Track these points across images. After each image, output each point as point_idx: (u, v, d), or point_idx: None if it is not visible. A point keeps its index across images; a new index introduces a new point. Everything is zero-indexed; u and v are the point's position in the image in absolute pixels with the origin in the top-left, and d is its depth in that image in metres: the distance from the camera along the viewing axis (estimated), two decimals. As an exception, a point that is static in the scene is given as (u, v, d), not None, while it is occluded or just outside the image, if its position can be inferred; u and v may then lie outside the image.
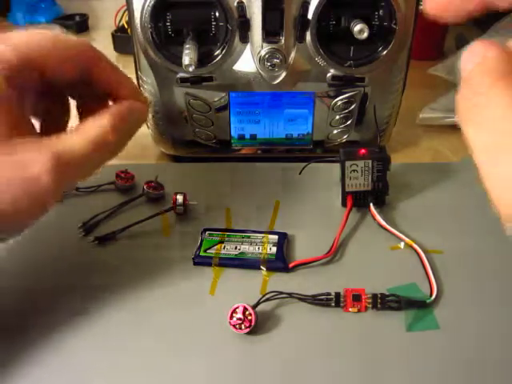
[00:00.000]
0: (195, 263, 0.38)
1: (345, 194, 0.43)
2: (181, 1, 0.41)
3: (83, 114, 0.34)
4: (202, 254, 0.39)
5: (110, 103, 0.34)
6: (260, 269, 0.38)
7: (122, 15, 0.78)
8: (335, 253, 0.39)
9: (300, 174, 0.45)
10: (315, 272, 0.38)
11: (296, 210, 0.44)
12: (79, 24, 0.90)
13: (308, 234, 0.41)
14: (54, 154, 0.27)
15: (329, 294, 0.35)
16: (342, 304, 0.35)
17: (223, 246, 0.39)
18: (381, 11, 0.42)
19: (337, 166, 0.42)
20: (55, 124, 0.34)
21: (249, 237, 0.40)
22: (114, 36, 0.79)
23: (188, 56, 0.40)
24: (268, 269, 0.38)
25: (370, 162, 0.41)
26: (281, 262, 0.38)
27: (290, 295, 0.35)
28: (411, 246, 0.39)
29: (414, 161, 0.51)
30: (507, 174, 0.18)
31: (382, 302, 0.34)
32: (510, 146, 0.18)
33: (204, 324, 0.34)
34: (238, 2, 0.41)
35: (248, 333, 0.33)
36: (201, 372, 0.31)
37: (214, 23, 0.42)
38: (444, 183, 0.47)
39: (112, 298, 0.36)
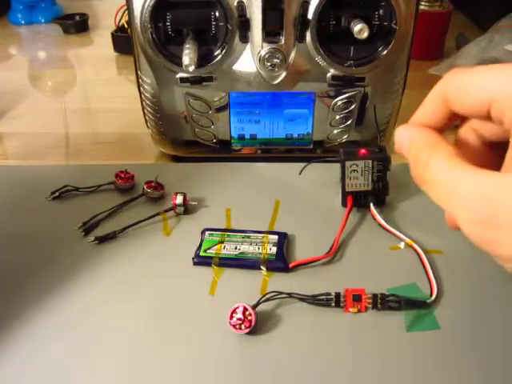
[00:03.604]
0: (195, 263, 0.38)
1: (345, 194, 0.43)
2: (181, 1, 0.41)
3: None
4: (202, 253, 0.39)
5: None
6: (260, 269, 0.38)
7: (122, 15, 0.78)
8: (335, 253, 0.39)
9: (300, 174, 0.45)
10: (315, 272, 0.38)
11: (296, 209, 0.44)
12: (79, 24, 0.90)
13: (308, 234, 0.41)
14: None
15: (329, 294, 0.35)
16: (342, 304, 0.35)
17: (223, 245, 0.39)
18: (381, 11, 0.42)
19: (337, 166, 0.42)
20: None
21: (249, 237, 0.40)
22: (113, 36, 0.79)
23: (188, 56, 0.40)
24: (268, 269, 0.38)
25: (370, 162, 0.41)
26: (281, 262, 0.38)
27: (290, 295, 0.35)
28: (411, 246, 0.39)
29: (413, 161, 0.51)
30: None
31: (382, 302, 0.34)
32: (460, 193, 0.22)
33: (204, 324, 0.34)
34: (237, 2, 0.41)
35: (248, 333, 0.33)
36: (201, 372, 0.31)
37: (214, 23, 0.42)
38: (444, 183, 0.47)
39: (112, 298, 0.36)
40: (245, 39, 0.43)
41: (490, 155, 0.27)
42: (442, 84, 0.25)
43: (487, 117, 0.24)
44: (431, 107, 0.27)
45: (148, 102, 0.47)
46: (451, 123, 0.27)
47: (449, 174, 0.23)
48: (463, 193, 0.22)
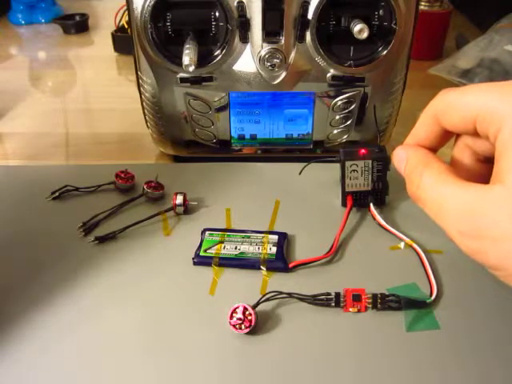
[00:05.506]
0: (195, 263, 0.38)
1: (345, 194, 0.43)
2: (181, 1, 0.41)
3: None
4: (202, 253, 0.39)
5: None
6: (260, 269, 0.38)
7: (122, 15, 0.79)
8: (335, 253, 0.39)
9: (300, 174, 0.45)
10: (315, 272, 0.38)
11: (296, 210, 0.44)
12: (79, 24, 0.90)
13: (308, 234, 0.41)
14: None
15: (329, 294, 0.35)
16: (342, 304, 0.35)
17: (223, 245, 0.39)
18: (381, 11, 0.42)
19: (337, 166, 0.42)
20: None
21: (249, 237, 0.40)
22: (113, 36, 0.79)
23: (188, 56, 0.40)
24: (268, 269, 0.38)
25: (369, 162, 0.41)
26: (281, 261, 0.38)
27: (290, 295, 0.35)
28: (411, 246, 0.39)
29: (413, 161, 0.51)
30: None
31: (382, 302, 0.34)
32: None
33: (204, 324, 0.34)
34: (238, 2, 0.41)
35: (248, 333, 0.33)
36: (201, 372, 0.31)
37: (214, 23, 0.42)
38: (444, 183, 0.47)
39: (112, 298, 0.36)
40: (245, 39, 0.43)
41: (483, 170, 0.28)
42: (432, 104, 0.27)
43: (475, 133, 0.24)
44: (424, 126, 0.28)
45: (148, 101, 0.47)
46: (445, 141, 0.28)
47: (439, 190, 0.24)
48: (451, 206, 0.23)
